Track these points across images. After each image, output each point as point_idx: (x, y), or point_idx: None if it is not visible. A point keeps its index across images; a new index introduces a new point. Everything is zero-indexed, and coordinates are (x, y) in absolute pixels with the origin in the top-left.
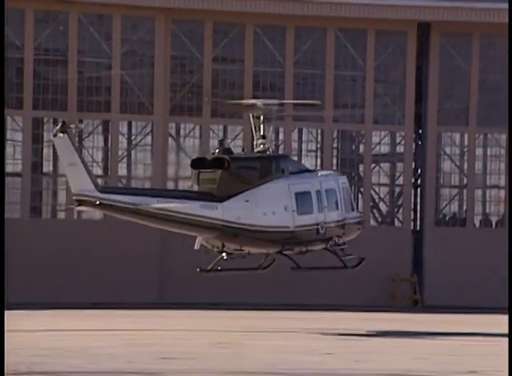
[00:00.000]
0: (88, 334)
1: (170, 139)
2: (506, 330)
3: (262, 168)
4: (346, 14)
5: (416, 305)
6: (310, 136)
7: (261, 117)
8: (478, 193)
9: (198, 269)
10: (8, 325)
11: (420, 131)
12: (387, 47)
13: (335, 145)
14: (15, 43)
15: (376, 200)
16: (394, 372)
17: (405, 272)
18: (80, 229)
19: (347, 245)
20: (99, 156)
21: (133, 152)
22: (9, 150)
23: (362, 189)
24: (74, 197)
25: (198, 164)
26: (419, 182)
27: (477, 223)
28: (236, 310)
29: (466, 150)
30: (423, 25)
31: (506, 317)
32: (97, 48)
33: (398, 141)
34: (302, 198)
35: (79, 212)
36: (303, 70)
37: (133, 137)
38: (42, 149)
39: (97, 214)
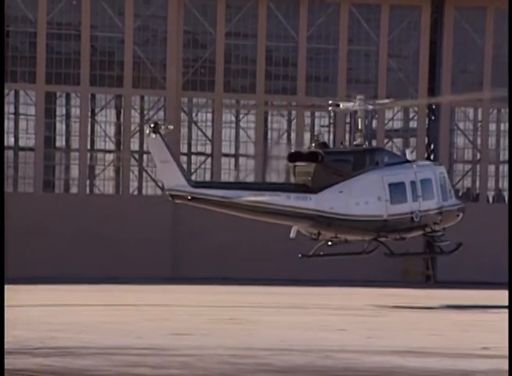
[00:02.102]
0: (101, 309)
1: (182, 113)
2: None
3: (356, 161)
4: None
5: (429, 281)
6: (323, 112)
7: (359, 112)
8: (491, 168)
9: (300, 255)
10: (19, 300)
11: (434, 106)
12: (401, 22)
13: (348, 120)
14: (28, 17)
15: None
16: (407, 349)
17: (418, 247)
18: (93, 203)
19: (443, 232)
20: (111, 130)
21: (145, 127)
22: (21, 123)
23: None
24: (167, 192)
25: (294, 157)
26: (432, 157)
27: (490, 198)
28: (247, 285)
29: (479, 125)
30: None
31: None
32: (110, 23)
33: (411, 116)
34: (396, 188)
35: (92, 186)
36: (316, 44)
37: (145, 112)
38: (55, 123)
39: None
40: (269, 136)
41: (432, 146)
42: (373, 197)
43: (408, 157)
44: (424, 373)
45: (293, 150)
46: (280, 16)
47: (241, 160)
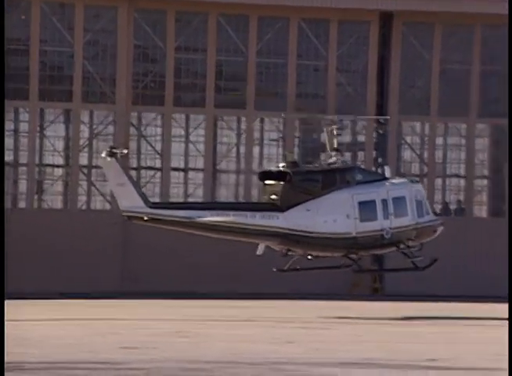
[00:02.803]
0: (49, 324)
1: (132, 128)
2: (463, 317)
3: (325, 180)
4: (309, 4)
5: (377, 294)
6: (271, 126)
7: (335, 131)
8: (438, 181)
9: (275, 269)
10: None
11: (382, 120)
12: (350, 36)
13: (297, 134)
14: None
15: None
16: (354, 361)
17: (366, 260)
18: (41, 218)
19: (420, 247)
20: (60, 145)
21: (94, 141)
22: None
23: None
24: (123, 214)
25: (264, 176)
26: (380, 171)
27: (436, 211)
28: (196, 299)
29: (426, 139)
30: (386, 15)
31: (462, 304)
32: (59, 37)
33: (358, 130)
34: (365, 206)
35: (39, 201)
36: (266, 59)
37: (95, 126)
38: (3, 138)
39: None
40: (218, 150)
41: (380, 160)
42: (341, 215)
43: (387, 173)
44: None
45: (264, 169)
46: (230, 31)
47: (190, 174)
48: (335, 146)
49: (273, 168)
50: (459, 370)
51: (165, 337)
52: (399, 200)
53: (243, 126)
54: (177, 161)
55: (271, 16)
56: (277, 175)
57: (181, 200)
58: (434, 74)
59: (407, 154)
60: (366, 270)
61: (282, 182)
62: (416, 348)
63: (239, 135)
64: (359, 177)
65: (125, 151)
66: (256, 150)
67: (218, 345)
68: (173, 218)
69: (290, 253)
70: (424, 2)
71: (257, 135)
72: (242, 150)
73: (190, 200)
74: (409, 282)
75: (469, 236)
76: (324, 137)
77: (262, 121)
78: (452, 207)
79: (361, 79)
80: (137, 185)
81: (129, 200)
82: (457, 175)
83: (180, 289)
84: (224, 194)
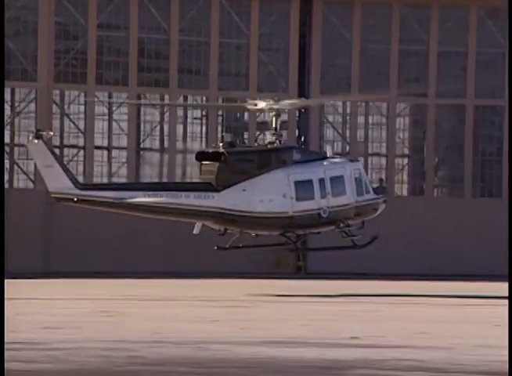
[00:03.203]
0: None
1: (54, 106)
2: (385, 294)
3: (260, 160)
4: None
5: (300, 272)
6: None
7: (273, 112)
8: (360, 160)
9: (216, 247)
10: None
11: (304, 99)
12: (271, 15)
13: (220, 112)
14: None
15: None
16: (278, 339)
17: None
18: None
19: (361, 225)
20: None
21: (17, 119)
22: None
23: None
24: (52, 195)
25: (200, 156)
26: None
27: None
28: (122, 278)
29: (348, 118)
30: None
31: (384, 282)
32: None
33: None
34: (302, 186)
35: None
36: (188, 37)
37: (16, 104)
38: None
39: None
40: (142, 128)
41: (303, 139)
42: (277, 195)
43: (328, 153)
44: (295, 363)
45: (200, 149)
46: (152, 8)
47: (114, 152)
48: (274, 126)
49: (209, 149)
50: (382, 348)
51: (89, 316)
52: (337, 179)
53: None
54: (100, 140)
55: None
56: (213, 156)
57: (104, 178)
58: (355, 54)
59: (329, 133)
60: (303, 249)
61: (217, 163)
62: (340, 327)
63: (162, 114)
64: (297, 157)
65: (51, 133)
66: (180, 128)
67: (142, 324)
68: (104, 199)
69: (228, 232)
70: None
71: (180, 113)
72: (165, 128)
73: (114, 178)
74: (331, 260)
75: (391, 215)
76: (247, 116)
77: (185, 99)
78: (375, 185)
79: (282, 58)
80: (65, 166)
81: (58, 182)
82: (378, 154)
83: (105, 269)
84: (148, 173)
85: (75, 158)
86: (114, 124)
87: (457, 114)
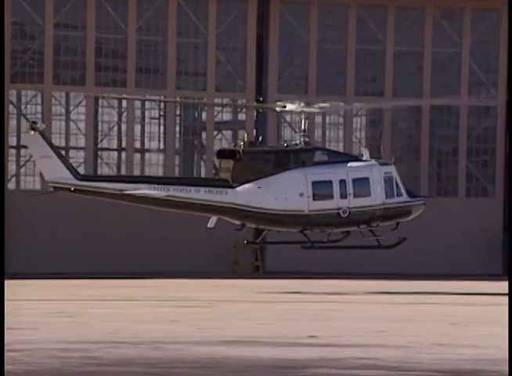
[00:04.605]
0: None
1: (11, 106)
2: (341, 293)
3: (277, 160)
4: None
5: (258, 272)
6: (153, 104)
7: (302, 114)
8: None
9: (245, 241)
10: None
11: (261, 98)
12: (228, 15)
13: (178, 112)
14: None
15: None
16: (237, 339)
17: (248, 238)
18: None
19: (393, 227)
20: None
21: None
22: None
23: (204, 157)
24: (50, 185)
25: (220, 154)
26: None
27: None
28: (78, 279)
29: (305, 117)
30: None
31: (343, 281)
32: None
33: (239, 109)
34: (320, 186)
35: None
36: (145, 37)
37: None
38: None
39: None
40: (100, 128)
41: (260, 139)
42: (293, 193)
43: (365, 155)
44: (252, 362)
45: (220, 148)
46: (109, 8)
47: (72, 152)
48: (303, 127)
49: (228, 147)
50: (340, 347)
51: (47, 317)
52: (361, 181)
53: (124, 104)
54: (58, 140)
55: None
56: (230, 154)
57: None
58: (312, 53)
59: (287, 133)
60: (320, 246)
61: (233, 160)
62: (298, 326)
63: (120, 114)
64: (322, 158)
65: (43, 125)
66: (137, 128)
67: (100, 325)
68: (108, 190)
69: (243, 228)
70: None
71: (138, 113)
72: (123, 128)
73: None
74: (289, 259)
75: None
76: (204, 116)
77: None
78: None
79: (240, 57)
80: (64, 157)
81: (56, 172)
82: None
83: (63, 270)
84: (106, 173)
85: (32, 158)
86: (72, 124)
87: (414, 114)
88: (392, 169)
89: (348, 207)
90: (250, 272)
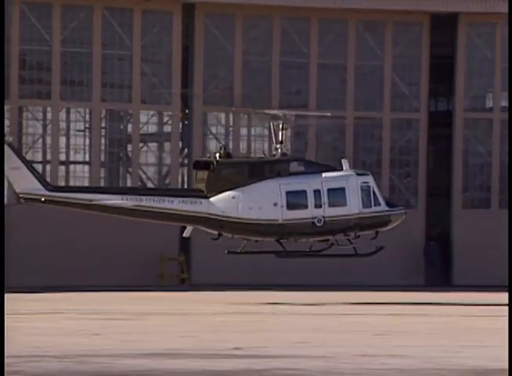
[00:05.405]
0: None
1: None
2: (271, 303)
3: (252, 171)
4: None
5: (184, 284)
6: (78, 116)
7: (280, 125)
8: None
9: (226, 251)
10: None
11: (187, 111)
12: (154, 26)
13: (103, 125)
14: None
15: (144, 180)
16: (160, 352)
17: (173, 251)
18: None
19: (374, 235)
20: None
21: None
22: None
23: (130, 170)
24: (20, 195)
25: (195, 165)
26: (186, 161)
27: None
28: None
29: (231, 129)
30: (188, 5)
31: (266, 293)
32: None
33: (165, 121)
34: (294, 196)
35: None
36: (70, 48)
37: None
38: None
39: None
40: (24, 141)
41: (186, 151)
42: (267, 203)
43: (345, 166)
44: (178, 374)
45: (196, 159)
46: (33, 19)
47: None
48: (280, 139)
49: (203, 158)
50: (264, 358)
51: None
52: (336, 191)
53: (49, 116)
54: None
55: (74, 4)
56: (204, 165)
57: None
58: (237, 65)
59: (212, 144)
60: (296, 255)
61: (208, 171)
62: (223, 337)
63: (45, 126)
64: (299, 168)
65: (11, 137)
66: (62, 140)
67: (23, 338)
68: (78, 200)
69: (219, 237)
70: None
71: (63, 125)
72: (48, 140)
73: None
74: (215, 272)
75: None
76: (130, 128)
77: (68, 111)
78: None
79: (166, 69)
80: (33, 168)
81: (26, 183)
82: None
83: None
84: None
85: None
86: None
87: (337, 126)
88: (370, 179)
89: (323, 217)
90: (175, 285)
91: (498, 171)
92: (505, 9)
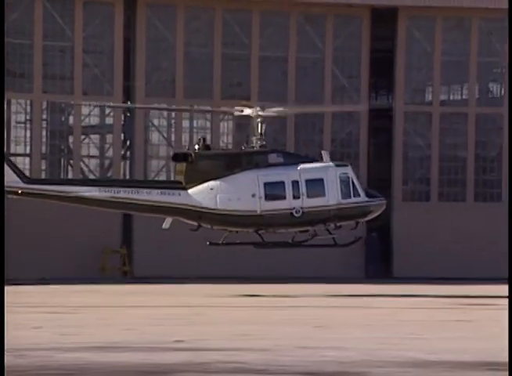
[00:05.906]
0: None
1: None
2: (212, 296)
3: (229, 162)
4: None
5: (126, 277)
6: (19, 107)
7: (258, 119)
8: None
9: (208, 243)
10: None
11: (129, 102)
12: (95, 18)
13: (44, 116)
14: None
15: (86, 173)
16: (101, 345)
17: (116, 244)
18: None
19: (353, 225)
20: None
21: None
22: None
23: (71, 162)
24: None
25: (174, 157)
26: (128, 154)
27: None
28: None
29: (173, 121)
30: None
31: (208, 285)
32: None
33: (107, 113)
34: (272, 187)
35: None
36: (12, 39)
37: None
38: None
39: None
40: None
41: (128, 143)
42: (245, 194)
43: (325, 157)
44: (116, 368)
45: (175, 151)
46: None
47: None
48: (259, 131)
49: (181, 150)
50: (205, 351)
51: None
52: (315, 182)
53: None
54: None
55: None
56: (182, 157)
57: None
58: (179, 57)
59: (155, 137)
60: (274, 245)
61: (186, 163)
62: (164, 330)
63: None
64: (277, 160)
65: None
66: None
67: None
68: (54, 192)
69: (198, 228)
70: None
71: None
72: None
73: None
74: (156, 264)
75: None
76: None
77: (9, 102)
78: None
79: (107, 60)
80: (11, 162)
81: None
82: None
83: None
84: None
85: None
86: None
87: (279, 119)
88: (349, 170)
89: (302, 208)
90: (117, 278)
91: (437, 164)
92: (443, 3)
